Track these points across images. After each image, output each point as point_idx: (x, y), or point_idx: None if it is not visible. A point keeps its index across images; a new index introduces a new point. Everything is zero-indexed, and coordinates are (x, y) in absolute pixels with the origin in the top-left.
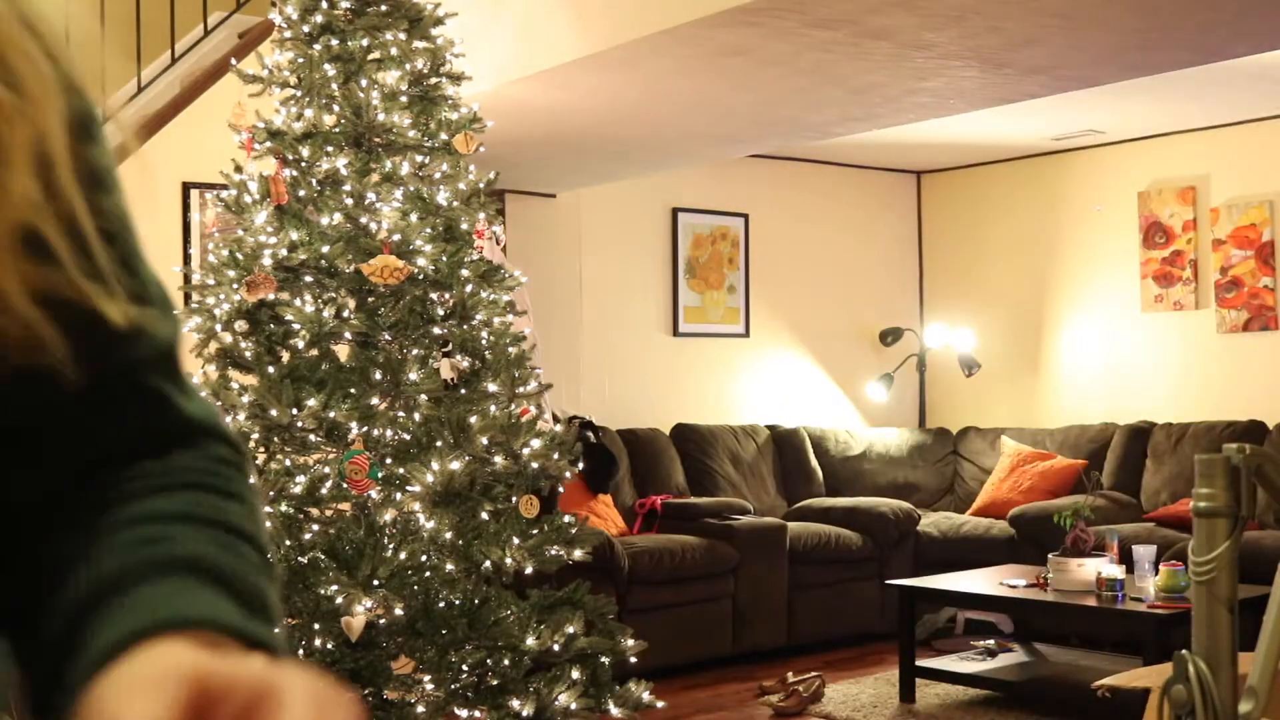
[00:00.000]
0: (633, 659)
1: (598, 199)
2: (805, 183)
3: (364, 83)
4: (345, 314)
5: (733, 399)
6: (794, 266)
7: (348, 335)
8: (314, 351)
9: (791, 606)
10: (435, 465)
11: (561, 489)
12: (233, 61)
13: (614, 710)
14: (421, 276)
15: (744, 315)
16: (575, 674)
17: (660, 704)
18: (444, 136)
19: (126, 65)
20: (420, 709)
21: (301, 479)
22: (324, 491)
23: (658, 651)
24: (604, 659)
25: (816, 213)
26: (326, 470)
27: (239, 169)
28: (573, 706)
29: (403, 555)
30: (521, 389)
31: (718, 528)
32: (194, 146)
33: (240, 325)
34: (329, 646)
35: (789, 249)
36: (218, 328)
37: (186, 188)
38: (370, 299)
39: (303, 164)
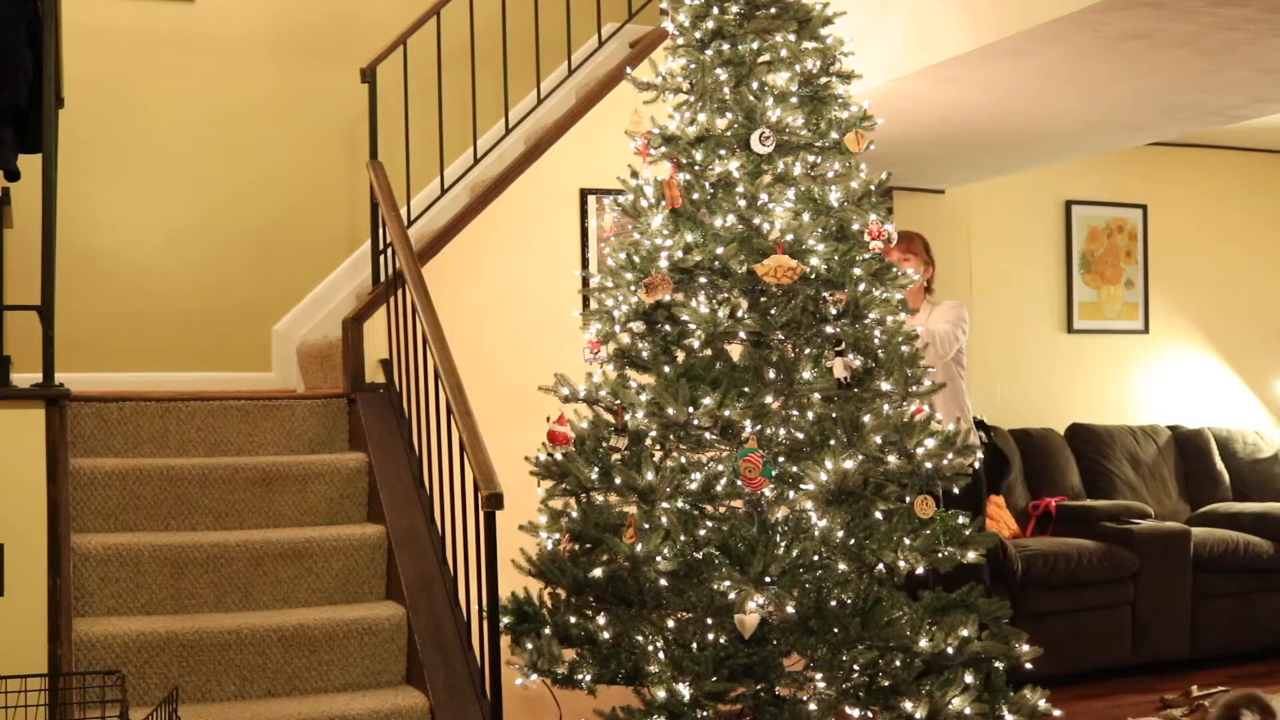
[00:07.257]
0: (1027, 665)
1: (987, 193)
2: (1208, 170)
3: (755, 85)
4: (739, 314)
5: (1131, 398)
6: (1197, 259)
7: (741, 335)
8: (708, 351)
9: (1195, 616)
10: (829, 464)
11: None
12: (628, 70)
13: (1008, 716)
14: (814, 276)
15: (1143, 311)
16: (968, 678)
17: (1057, 712)
18: (834, 136)
19: (527, 79)
20: (812, 707)
21: (697, 476)
22: (718, 488)
23: (1052, 658)
24: (998, 664)
25: (1221, 201)
26: (720, 468)
27: (635, 174)
28: (966, 711)
29: (794, 553)
30: (914, 388)
31: (1116, 532)
32: (590, 154)
33: (637, 326)
34: (722, 641)
35: (1192, 240)
36: (616, 329)
37: (584, 194)
38: (763, 299)
39: (696, 167)
